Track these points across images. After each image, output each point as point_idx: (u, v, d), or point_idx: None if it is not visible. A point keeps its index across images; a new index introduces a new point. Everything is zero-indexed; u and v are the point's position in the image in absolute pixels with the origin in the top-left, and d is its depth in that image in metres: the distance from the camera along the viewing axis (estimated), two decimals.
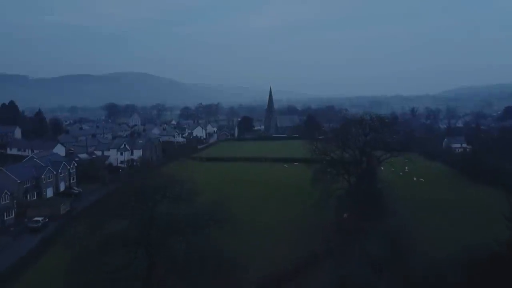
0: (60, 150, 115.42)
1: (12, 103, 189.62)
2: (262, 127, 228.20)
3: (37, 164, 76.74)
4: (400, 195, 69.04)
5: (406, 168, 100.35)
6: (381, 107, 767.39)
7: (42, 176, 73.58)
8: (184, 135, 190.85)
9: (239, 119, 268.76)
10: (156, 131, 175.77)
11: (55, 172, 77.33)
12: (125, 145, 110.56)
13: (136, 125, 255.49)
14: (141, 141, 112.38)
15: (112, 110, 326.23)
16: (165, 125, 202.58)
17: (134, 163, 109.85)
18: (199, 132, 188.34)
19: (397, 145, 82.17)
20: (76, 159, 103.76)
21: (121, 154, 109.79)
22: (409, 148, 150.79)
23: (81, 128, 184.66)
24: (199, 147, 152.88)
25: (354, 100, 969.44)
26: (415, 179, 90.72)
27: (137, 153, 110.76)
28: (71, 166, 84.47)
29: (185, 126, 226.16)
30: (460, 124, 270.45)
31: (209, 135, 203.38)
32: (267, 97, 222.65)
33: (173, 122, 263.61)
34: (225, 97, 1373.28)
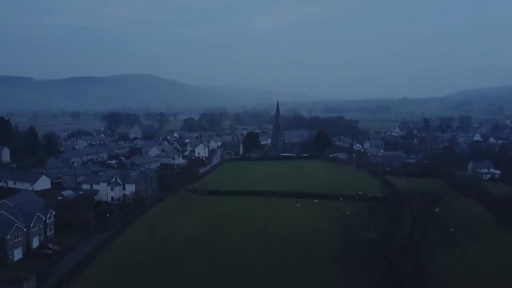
0: (44, 182, 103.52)
1: (2, 119, 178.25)
2: (269, 141, 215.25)
3: (3, 219, 64.02)
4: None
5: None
6: (389, 111, 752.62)
7: (8, 237, 60.94)
8: (185, 153, 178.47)
9: (243, 131, 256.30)
10: (155, 151, 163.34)
11: (25, 229, 64.68)
12: (116, 178, 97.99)
13: (136, 138, 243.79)
14: (134, 174, 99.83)
15: (113, 118, 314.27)
16: (166, 141, 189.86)
17: (127, 200, 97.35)
18: (201, 150, 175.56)
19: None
20: (60, 197, 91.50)
21: (112, 189, 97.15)
22: (432, 174, 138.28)
23: (74, 148, 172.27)
24: (200, 170, 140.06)
25: (360, 104, 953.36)
26: (451, 229, 75.00)
27: (130, 188, 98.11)
28: (48, 216, 71.80)
29: (187, 141, 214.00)
30: (477, 137, 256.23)
31: (213, 151, 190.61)
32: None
33: (175, 134, 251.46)
34: (228, 98, 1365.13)
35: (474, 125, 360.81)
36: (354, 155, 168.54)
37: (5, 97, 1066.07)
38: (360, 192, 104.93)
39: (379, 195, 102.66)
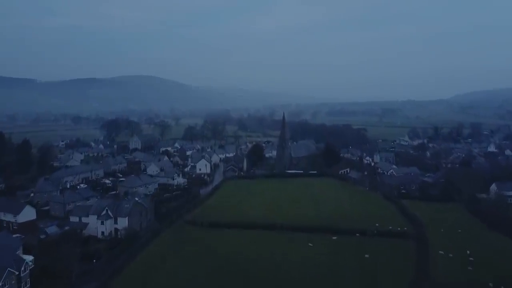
0: (29, 213, 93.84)
1: None
2: (274, 153, 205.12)
3: None
4: None
5: (470, 256, 75.76)
6: (395, 115, 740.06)
7: None
8: (186, 168, 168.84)
9: (247, 143, 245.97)
10: (153, 168, 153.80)
11: None
12: (107, 211, 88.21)
13: (136, 149, 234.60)
14: (127, 205, 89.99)
15: (113, 126, 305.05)
16: (165, 156, 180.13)
17: (119, 234, 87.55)
18: (202, 166, 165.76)
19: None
20: (43, 236, 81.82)
21: (102, 223, 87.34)
22: (452, 197, 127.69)
23: (67, 166, 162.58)
24: (201, 191, 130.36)
25: (365, 106, 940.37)
26: (491, 285, 64.43)
27: (123, 222, 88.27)
28: (23, 268, 61.98)
29: (189, 153, 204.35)
30: (492, 147, 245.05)
31: (215, 166, 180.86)
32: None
33: (176, 144, 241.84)
34: (231, 99, 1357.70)
35: (485, 132, 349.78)
36: (365, 173, 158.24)
37: (8, 99, 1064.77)
38: (377, 225, 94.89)
39: (399, 229, 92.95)
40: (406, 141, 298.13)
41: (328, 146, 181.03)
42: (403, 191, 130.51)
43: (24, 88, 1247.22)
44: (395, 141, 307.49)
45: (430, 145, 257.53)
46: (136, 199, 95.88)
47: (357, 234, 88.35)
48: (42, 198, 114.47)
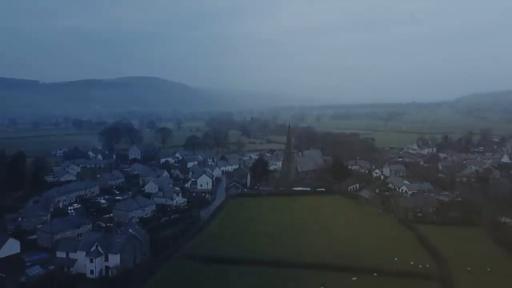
0: (12, 247, 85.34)
1: None
2: (279, 164, 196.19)
3: None
4: None
5: None
6: (401, 119, 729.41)
7: None
8: (187, 184, 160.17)
9: (251, 154, 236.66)
10: (152, 185, 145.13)
11: None
12: (97, 246, 79.47)
13: (135, 159, 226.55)
14: (119, 240, 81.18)
15: (113, 133, 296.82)
16: (165, 171, 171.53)
17: (110, 273, 78.84)
18: (204, 181, 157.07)
19: None
20: (23, 279, 73.24)
21: (92, 261, 78.57)
22: (473, 221, 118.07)
23: (61, 183, 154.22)
24: (202, 213, 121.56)
25: (369, 109, 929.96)
26: None
27: (114, 259, 79.53)
28: None
29: (190, 166, 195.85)
30: (506, 158, 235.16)
31: (217, 181, 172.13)
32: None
33: (177, 154, 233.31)
34: (234, 100, 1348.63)
35: (495, 139, 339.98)
36: (377, 191, 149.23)
37: (11, 100, 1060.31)
38: (396, 259, 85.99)
39: (420, 266, 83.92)
40: (415, 150, 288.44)
41: (336, 160, 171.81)
42: (419, 214, 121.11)
43: (27, 90, 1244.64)
44: (403, 149, 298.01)
45: (441, 154, 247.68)
46: (130, 231, 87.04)
47: (375, 274, 79.33)
48: (30, 224, 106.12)
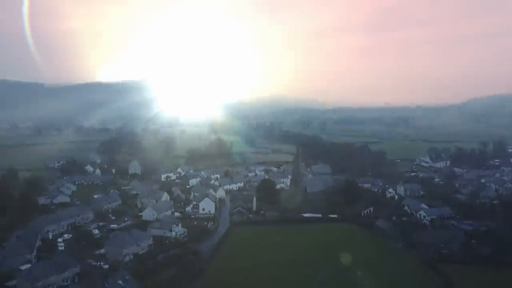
0: None
1: None
2: (286, 182, 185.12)
3: None
4: None
5: None
6: (407, 124, 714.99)
7: None
8: (188, 208, 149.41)
9: (256, 170, 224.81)
10: (150, 212, 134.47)
11: None
12: None
13: (135, 174, 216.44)
14: None
15: (113, 146, 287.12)
16: (165, 194, 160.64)
17: None
18: (206, 205, 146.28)
19: None
20: None
21: None
22: (505, 262, 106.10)
23: (52, 208, 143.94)
24: (203, 248, 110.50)
25: (374, 113, 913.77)
26: None
27: None
28: None
29: (192, 184, 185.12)
30: None
31: (220, 202, 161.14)
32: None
33: (179, 169, 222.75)
34: (237, 103, 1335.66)
35: (510, 149, 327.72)
36: (394, 218, 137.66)
37: (16, 103, 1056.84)
38: None
39: None
40: (428, 162, 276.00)
41: (348, 182, 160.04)
42: (444, 250, 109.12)
43: (32, 93, 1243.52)
44: (415, 161, 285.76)
45: (456, 169, 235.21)
46: (120, 282, 76.06)
47: None
48: (11, 264, 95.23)
